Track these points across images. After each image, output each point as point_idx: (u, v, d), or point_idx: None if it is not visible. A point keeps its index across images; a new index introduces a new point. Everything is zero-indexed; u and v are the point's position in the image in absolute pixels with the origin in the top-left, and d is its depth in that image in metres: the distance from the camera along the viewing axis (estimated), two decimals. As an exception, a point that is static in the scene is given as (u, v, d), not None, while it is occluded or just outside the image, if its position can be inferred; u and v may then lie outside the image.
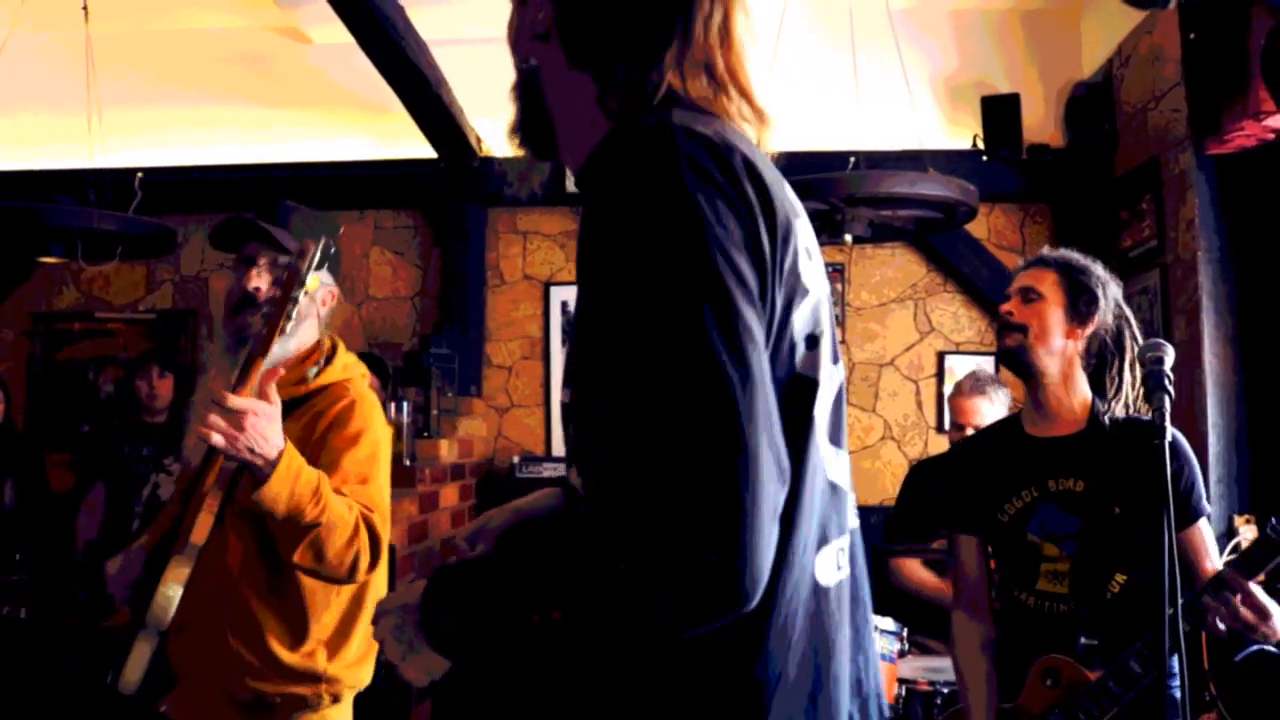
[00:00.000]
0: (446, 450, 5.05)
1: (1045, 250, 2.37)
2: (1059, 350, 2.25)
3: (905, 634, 3.38)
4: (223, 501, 1.94)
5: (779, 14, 4.64)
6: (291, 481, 1.88)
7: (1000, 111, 5.17)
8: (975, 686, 2.29)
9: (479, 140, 5.59)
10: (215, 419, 1.82)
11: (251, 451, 1.84)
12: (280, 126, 5.75)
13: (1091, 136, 5.01)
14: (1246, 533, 3.62)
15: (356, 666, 2.14)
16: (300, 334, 2.10)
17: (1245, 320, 4.07)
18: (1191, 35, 4.03)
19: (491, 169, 5.63)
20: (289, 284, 1.92)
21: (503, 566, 1.03)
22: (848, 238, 4.14)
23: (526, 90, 1.17)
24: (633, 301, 0.89)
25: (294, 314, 1.93)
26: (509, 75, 1.28)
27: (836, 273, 5.55)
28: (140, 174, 5.20)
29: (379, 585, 2.19)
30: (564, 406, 1.09)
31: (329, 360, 2.17)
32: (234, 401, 1.83)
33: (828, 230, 4.11)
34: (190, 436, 2.05)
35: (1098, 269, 2.30)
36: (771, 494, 0.86)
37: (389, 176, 5.77)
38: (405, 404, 4.61)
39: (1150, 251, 4.49)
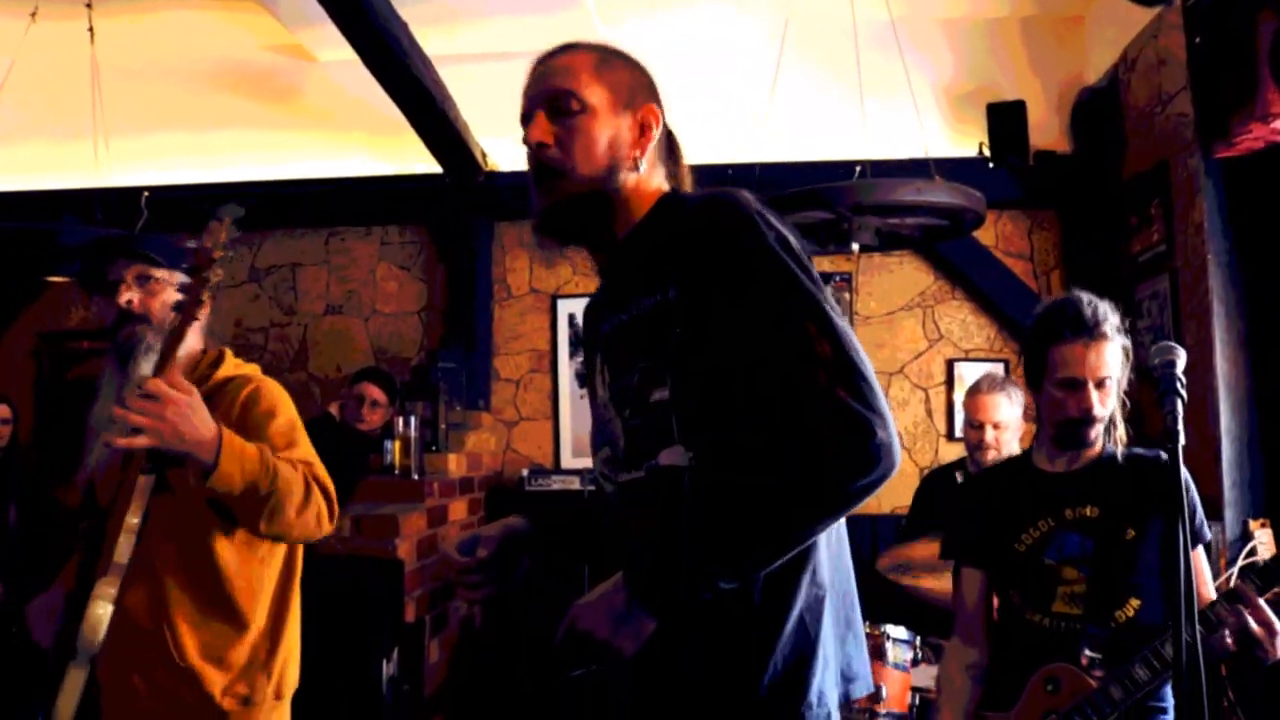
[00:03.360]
0: (455, 464, 5.04)
1: (1088, 310, 2.23)
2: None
3: (918, 642, 3.35)
4: (143, 516, 1.95)
5: (783, 25, 4.64)
6: (239, 457, 1.92)
7: (1006, 118, 5.15)
8: (951, 699, 2.37)
9: (484, 155, 5.59)
10: (139, 414, 1.82)
11: (182, 439, 1.85)
12: (286, 144, 5.76)
13: (1098, 142, 5.00)
14: (1262, 537, 3.59)
15: (291, 662, 2.19)
16: (185, 342, 2.10)
17: (1256, 324, 4.04)
18: (1197, 39, 4.01)
19: (497, 183, 5.64)
20: (200, 263, 1.94)
21: (685, 533, 1.30)
22: (855, 246, 4.13)
23: (603, 200, 1.50)
24: (795, 276, 1.34)
25: (204, 298, 1.96)
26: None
27: (844, 282, 5.54)
28: (147, 193, 5.22)
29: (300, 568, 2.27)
30: (660, 403, 1.39)
31: (219, 362, 2.22)
32: (152, 386, 1.84)
33: (835, 239, 4.10)
34: (93, 453, 2.09)
35: (1116, 315, 2.27)
36: None
37: (395, 192, 5.79)
38: (413, 418, 4.60)
39: (1160, 256, 4.47)
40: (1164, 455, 2.19)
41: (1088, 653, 2.15)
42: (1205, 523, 2.25)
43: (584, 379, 1.66)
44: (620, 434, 1.49)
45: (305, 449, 2.15)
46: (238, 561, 2.09)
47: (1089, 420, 2.24)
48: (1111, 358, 2.22)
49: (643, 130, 1.53)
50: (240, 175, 5.73)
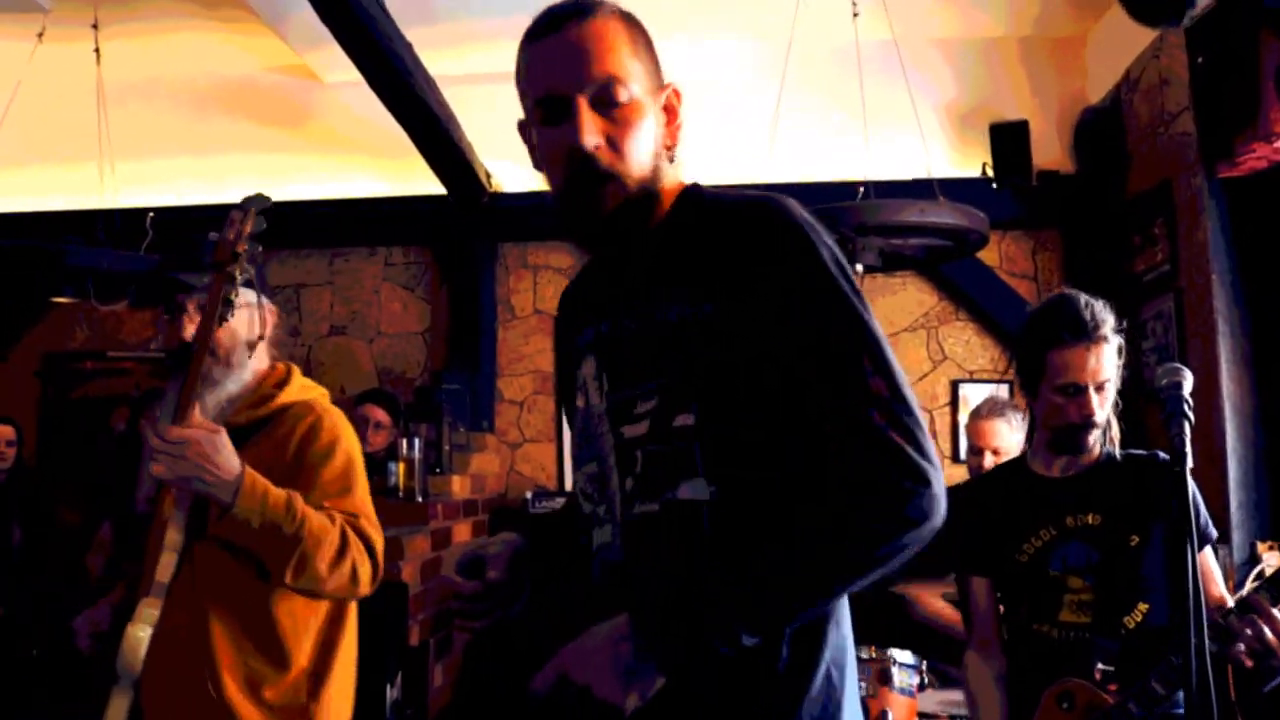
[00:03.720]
0: (459, 486, 5.02)
1: (1086, 313, 2.19)
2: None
3: (924, 667, 3.32)
4: (187, 535, 1.89)
5: (786, 47, 4.65)
6: (259, 503, 1.85)
7: (1009, 139, 5.16)
8: (989, 711, 2.29)
9: (488, 176, 5.61)
10: (159, 455, 1.79)
11: (203, 483, 1.81)
12: (291, 165, 5.78)
13: (1101, 161, 5.00)
14: (1270, 559, 3.57)
15: (339, 704, 2.08)
16: (252, 359, 2.06)
17: (1262, 343, 4.03)
18: (1199, 59, 4.02)
19: (501, 204, 5.65)
20: (221, 258, 1.87)
21: (708, 581, 1.15)
22: (859, 267, 4.12)
23: (648, 203, 1.31)
24: (850, 303, 1.22)
25: (232, 299, 1.87)
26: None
27: (848, 302, 5.53)
28: (152, 214, 5.23)
29: (355, 612, 2.15)
30: (684, 430, 1.23)
31: (285, 382, 2.12)
32: (174, 433, 1.79)
33: (839, 259, 4.08)
34: (143, 480, 2.04)
35: (1111, 315, 2.23)
36: None
37: (399, 213, 5.80)
38: (417, 440, 4.59)
39: (1164, 276, 4.47)
40: (1162, 455, 2.21)
41: (1100, 666, 2.12)
42: (1210, 521, 2.22)
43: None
44: (610, 451, 1.32)
45: (358, 499, 2.05)
46: (285, 597, 1.98)
47: (1089, 425, 2.20)
48: (1109, 360, 2.18)
49: (668, 114, 1.35)
50: (244, 196, 5.73)
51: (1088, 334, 2.16)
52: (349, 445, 2.09)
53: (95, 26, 4.75)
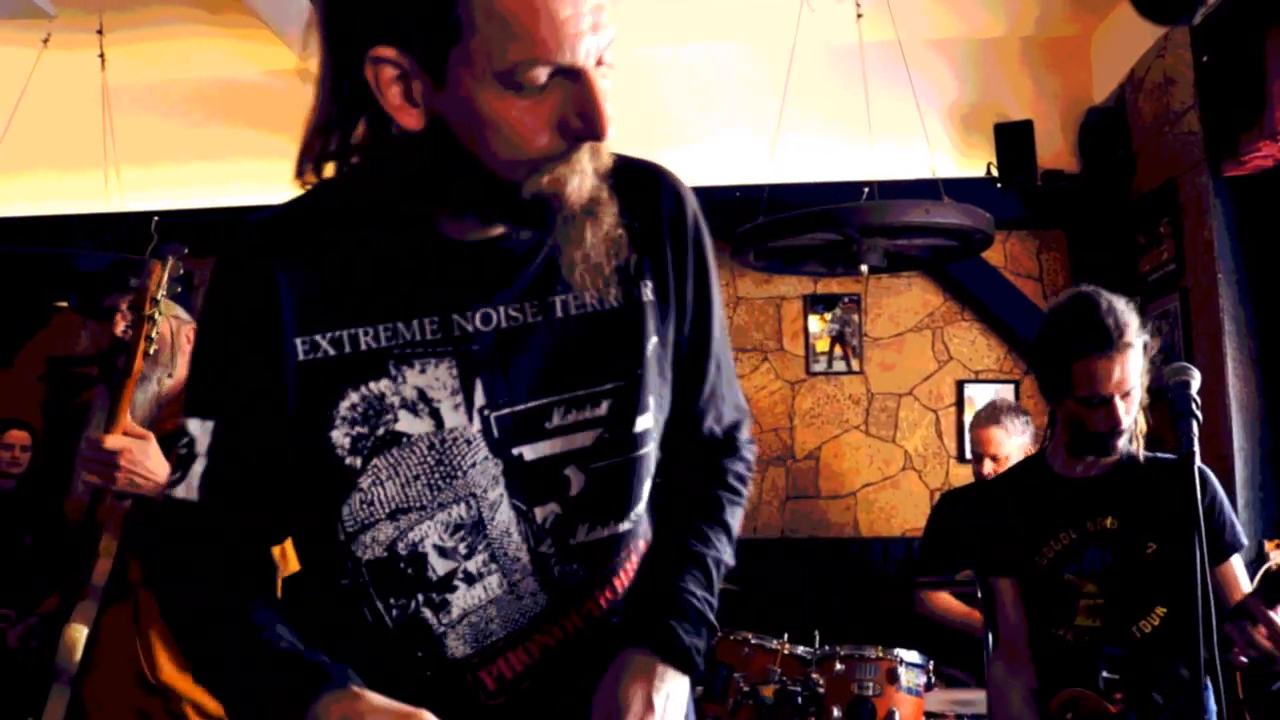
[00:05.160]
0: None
1: (1109, 320, 2.10)
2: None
3: (932, 667, 3.32)
4: (121, 540, 2.01)
5: (790, 47, 4.66)
6: None
7: (1014, 138, 5.15)
8: None
9: (492, 177, 5.60)
10: (92, 463, 1.92)
11: (137, 486, 1.92)
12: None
13: (1106, 161, 4.99)
14: (1277, 557, 3.56)
15: None
16: (177, 372, 2.23)
17: (1268, 342, 4.03)
18: (1205, 58, 4.02)
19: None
20: (139, 303, 2.04)
21: (699, 574, 1.16)
22: (864, 268, 4.12)
23: None
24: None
25: (154, 335, 2.04)
26: None
27: (853, 303, 5.52)
28: (157, 217, 5.23)
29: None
30: (645, 435, 1.15)
31: None
32: (109, 442, 1.92)
33: (843, 260, 4.09)
34: (77, 483, 2.15)
35: (1134, 314, 2.16)
36: None
37: (403, 215, 5.79)
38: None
39: (1170, 275, 4.46)
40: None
41: (1105, 674, 2.09)
42: (1239, 528, 2.18)
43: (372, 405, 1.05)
44: (495, 482, 1.06)
45: None
46: None
47: (1116, 434, 2.14)
48: (1134, 365, 2.10)
49: None
50: (250, 200, 5.74)
51: (1112, 344, 2.07)
52: None
53: (100, 32, 4.77)
